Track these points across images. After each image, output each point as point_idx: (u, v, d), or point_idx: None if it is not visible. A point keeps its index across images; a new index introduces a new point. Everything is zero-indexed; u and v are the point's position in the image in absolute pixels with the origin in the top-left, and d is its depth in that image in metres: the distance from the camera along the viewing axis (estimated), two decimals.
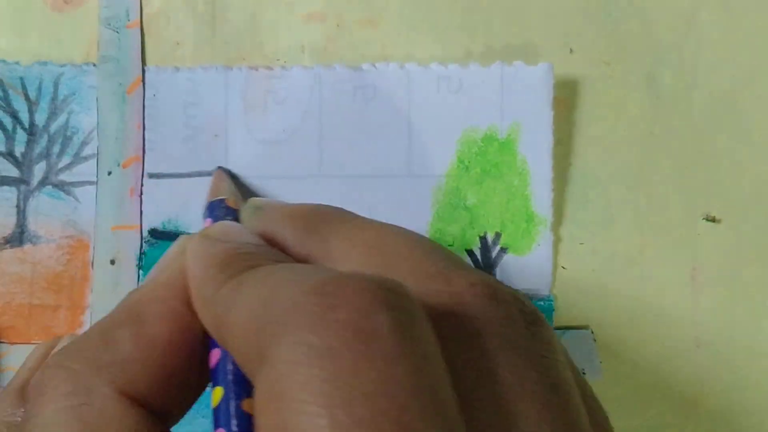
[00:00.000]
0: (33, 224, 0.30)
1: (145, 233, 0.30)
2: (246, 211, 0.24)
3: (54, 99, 0.30)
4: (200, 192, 0.30)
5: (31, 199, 0.30)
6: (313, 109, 0.30)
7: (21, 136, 0.30)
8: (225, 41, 0.31)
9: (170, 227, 0.30)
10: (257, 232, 0.22)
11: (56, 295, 0.29)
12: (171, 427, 0.19)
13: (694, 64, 0.31)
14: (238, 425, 0.17)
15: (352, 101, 0.30)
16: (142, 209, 0.30)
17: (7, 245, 0.30)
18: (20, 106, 0.30)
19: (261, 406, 0.14)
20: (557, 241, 0.30)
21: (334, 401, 0.13)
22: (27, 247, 0.30)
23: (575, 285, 0.30)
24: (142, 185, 0.30)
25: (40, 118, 0.30)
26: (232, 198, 0.26)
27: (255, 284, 0.17)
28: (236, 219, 0.25)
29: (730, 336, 0.30)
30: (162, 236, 0.30)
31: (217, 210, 0.25)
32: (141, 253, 0.30)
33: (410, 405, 0.13)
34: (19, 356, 0.29)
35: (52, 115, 0.30)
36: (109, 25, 0.30)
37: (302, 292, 0.15)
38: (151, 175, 0.30)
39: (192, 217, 0.30)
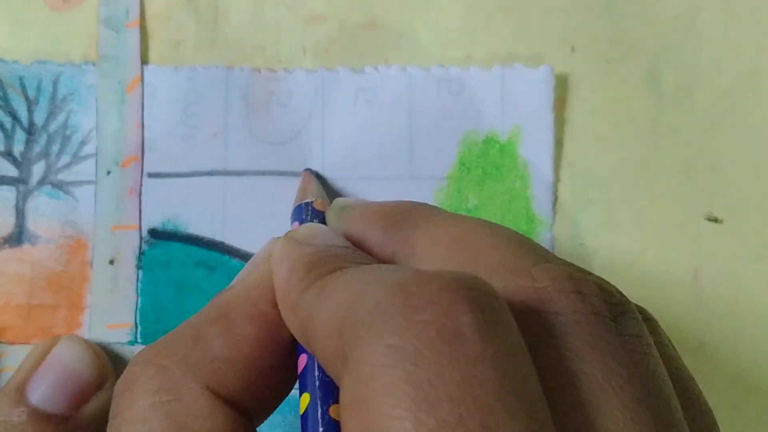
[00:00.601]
0: (32, 224, 0.30)
1: (145, 233, 0.30)
2: (331, 212, 0.24)
3: (53, 98, 0.30)
4: (200, 192, 0.30)
5: (29, 199, 0.30)
6: (315, 112, 0.30)
7: (20, 135, 0.30)
8: (226, 42, 0.30)
9: (170, 227, 0.30)
10: (343, 234, 0.22)
11: (55, 295, 0.29)
12: (255, 427, 0.19)
13: (696, 62, 0.31)
14: (324, 431, 0.17)
15: (354, 103, 0.30)
16: (141, 209, 0.30)
17: (6, 245, 0.30)
18: (19, 105, 0.30)
19: (346, 409, 0.14)
20: (557, 241, 0.30)
21: (419, 404, 0.13)
22: (26, 246, 0.30)
23: None
24: (141, 185, 0.30)
25: (39, 118, 0.30)
26: (319, 200, 0.26)
27: (339, 287, 0.17)
28: (323, 221, 0.25)
29: (732, 337, 0.30)
30: (161, 236, 0.30)
31: (303, 213, 0.25)
32: (140, 253, 0.30)
33: (496, 407, 0.13)
34: (17, 356, 0.29)
35: (51, 114, 0.30)
36: (109, 24, 0.30)
37: (385, 292, 0.15)
38: (151, 175, 0.30)
39: (192, 217, 0.30)
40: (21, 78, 0.30)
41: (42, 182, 0.30)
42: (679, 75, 0.31)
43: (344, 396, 0.14)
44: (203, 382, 0.18)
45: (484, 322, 0.14)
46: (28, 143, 0.30)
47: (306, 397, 0.18)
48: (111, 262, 0.29)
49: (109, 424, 0.18)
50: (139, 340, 0.29)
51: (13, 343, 0.29)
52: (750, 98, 0.31)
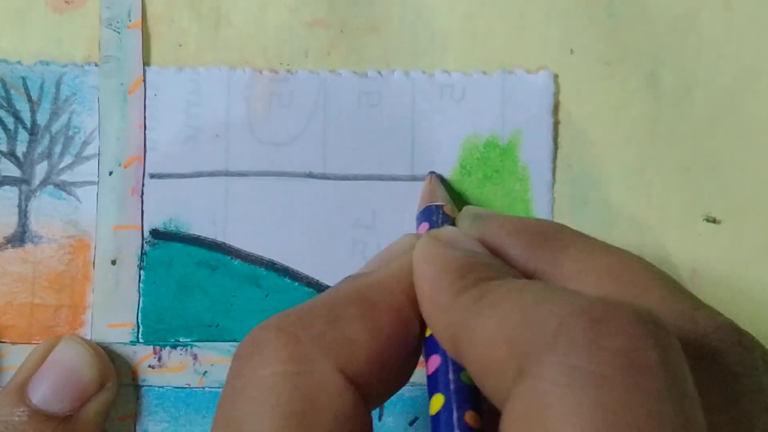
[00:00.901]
0: (34, 224, 0.30)
1: (146, 233, 0.30)
2: (464, 219, 0.24)
3: (56, 99, 0.30)
4: (202, 192, 0.30)
5: (32, 199, 0.30)
6: (317, 114, 0.30)
7: (23, 136, 0.30)
8: (228, 45, 0.31)
9: (171, 227, 0.30)
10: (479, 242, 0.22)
11: (58, 295, 0.30)
12: (370, 413, 0.19)
13: (696, 64, 0.31)
14: None
15: (356, 107, 0.30)
16: (143, 209, 0.30)
17: (9, 245, 0.30)
18: (22, 106, 0.30)
19: (515, 422, 0.14)
20: None
21: (597, 428, 0.13)
22: (28, 246, 0.30)
23: None
24: (143, 185, 0.30)
25: (41, 118, 0.30)
26: (448, 205, 0.26)
27: (504, 298, 0.17)
28: (449, 224, 0.25)
29: None
30: (163, 237, 0.30)
31: (434, 215, 0.25)
32: (142, 254, 0.30)
33: None
34: (19, 356, 0.29)
35: (54, 115, 0.30)
36: (111, 25, 0.30)
37: (570, 312, 0.15)
38: (152, 175, 0.30)
39: (194, 218, 0.30)
40: (24, 79, 0.30)
41: (44, 182, 0.30)
42: (679, 76, 0.31)
43: (514, 408, 0.14)
44: (335, 361, 0.18)
45: (668, 360, 0.14)
46: (31, 144, 0.30)
47: (439, 399, 0.18)
48: (113, 262, 0.30)
49: (229, 382, 0.18)
50: (140, 340, 0.29)
51: (15, 343, 0.29)
52: (749, 99, 0.31)
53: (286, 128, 0.30)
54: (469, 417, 0.17)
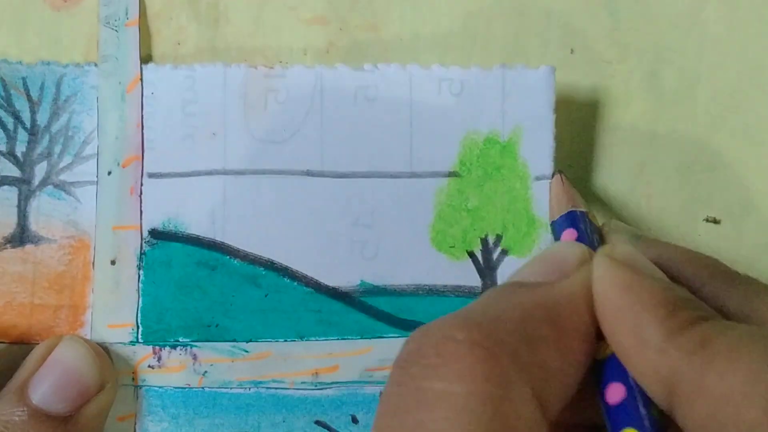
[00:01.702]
0: (34, 224, 0.30)
1: (145, 233, 0.30)
2: (621, 236, 0.23)
3: (56, 99, 0.30)
4: (200, 191, 0.30)
5: (32, 199, 0.30)
6: (314, 109, 0.30)
7: (22, 136, 0.30)
8: (226, 43, 0.30)
9: (170, 227, 0.30)
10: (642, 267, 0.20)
11: (57, 295, 0.30)
12: None
13: (698, 63, 0.31)
14: None
15: (353, 102, 0.30)
16: (142, 209, 0.30)
17: (8, 245, 0.30)
18: (22, 106, 0.30)
19: None
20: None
21: None
22: (28, 247, 0.30)
23: None
24: (141, 185, 0.30)
25: (41, 118, 0.30)
26: (591, 212, 0.25)
27: (739, 347, 0.15)
28: (597, 235, 0.23)
29: None
30: (162, 236, 0.30)
31: (580, 223, 0.24)
32: (141, 253, 0.30)
33: None
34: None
35: (54, 115, 0.30)
36: (108, 23, 0.30)
37: None
38: (151, 175, 0.30)
39: (192, 217, 0.30)
40: (24, 79, 0.30)
41: (44, 183, 0.30)
42: (680, 75, 0.31)
43: None
44: (533, 387, 0.16)
45: None
46: (31, 144, 0.30)
47: None
48: (112, 262, 0.30)
49: (405, 389, 0.16)
50: (140, 340, 0.29)
51: (15, 343, 0.29)
52: (751, 98, 0.31)
53: (282, 125, 0.30)
54: None
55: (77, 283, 0.30)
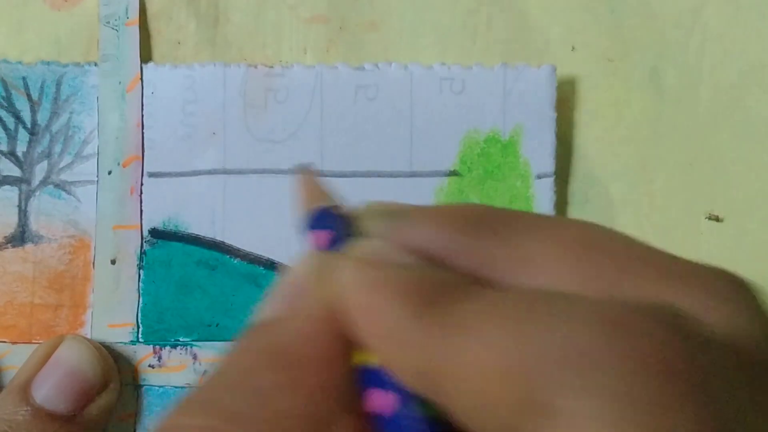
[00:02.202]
0: (34, 224, 0.30)
1: (146, 233, 0.30)
2: (375, 219, 0.20)
3: (56, 99, 0.30)
4: (200, 191, 0.30)
5: (32, 199, 0.30)
6: (314, 108, 0.30)
7: (23, 135, 0.30)
8: (227, 42, 0.30)
9: (170, 226, 0.30)
10: (402, 248, 0.18)
11: (58, 295, 0.30)
12: None
13: (699, 60, 0.31)
14: None
15: (353, 101, 0.30)
16: (142, 208, 0.30)
17: (9, 245, 0.30)
18: (22, 105, 0.30)
19: None
20: None
21: None
22: (28, 246, 0.30)
23: None
24: (142, 184, 0.30)
25: (42, 118, 0.30)
26: (342, 204, 0.22)
27: (486, 319, 0.14)
28: (352, 228, 0.20)
29: None
30: (162, 236, 0.30)
31: (327, 221, 0.21)
32: (141, 253, 0.30)
33: None
34: (20, 355, 0.29)
35: (54, 114, 0.30)
36: (109, 23, 0.30)
37: (591, 331, 0.13)
38: (151, 174, 0.30)
39: (192, 217, 0.30)
40: (25, 78, 0.30)
41: (44, 182, 0.30)
42: (682, 73, 0.31)
43: None
44: None
45: (710, 362, 0.13)
46: (31, 143, 0.30)
47: None
48: (113, 261, 0.30)
49: None
50: (140, 340, 0.29)
51: (15, 342, 0.29)
52: (753, 96, 0.31)
53: (282, 125, 0.30)
54: None
55: (77, 283, 0.30)
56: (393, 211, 0.19)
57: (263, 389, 0.15)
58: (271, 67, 0.30)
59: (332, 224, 0.20)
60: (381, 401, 0.16)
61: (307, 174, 0.23)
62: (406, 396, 0.16)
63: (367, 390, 0.16)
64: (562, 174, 0.30)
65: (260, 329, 0.17)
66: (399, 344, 0.15)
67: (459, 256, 0.17)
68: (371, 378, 0.16)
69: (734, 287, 0.15)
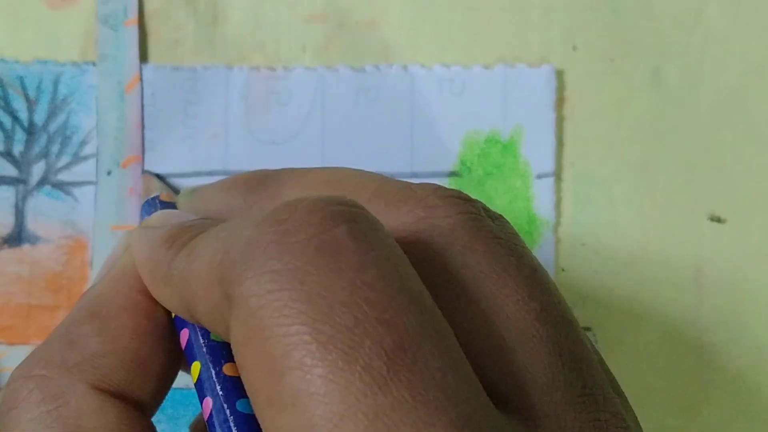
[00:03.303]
0: (31, 224, 0.30)
1: None
2: (182, 198, 0.25)
3: (54, 98, 0.30)
4: None
5: (29, 199, 0.30)
6: (315, 111, 0.30)
7: (20, 135, 0.30)
8: (225, 41, 0.30)
9: None
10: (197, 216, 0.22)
11: (55, 296, 0.29)
12: (150, 417, 0.19)
13: (701, 60, 0.31)
14: (222, 389, 0.17)
15: (354, 103, 0.30)
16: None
17: (6, 245, 0.30)
18: (19, 105, 0.30)
19: (241, 345, 0.14)
20: (558, 242, 0.30)
21: (313, 316, 0.13)
22: (25, 247, 0.30)
23: (577, 286, 0.30)
24: (141, 185, 0.30)
25: (39, 118, 0.30)
26: (165, 192, 0.26)
27: (207, 243, 0.17)
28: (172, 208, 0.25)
29: (734, 338, 0.30)
30: None
31: (152, 207, 0.25)
32: None
33: (387, 303, 0.14)
34: (17, 357, 0.28)
35: (52, 114, 0.30)
36: (107, 22, 0.30)
37: (256, 226, 0.15)
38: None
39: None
40: (21, 78, 0.30)
41: (42, 182, 0.30)
42: (684, 73, 0.31)
43: (237, 335, 0.14)
44: (87, 381, 0.18)
45: (359, 230, 0.15)
46: (28, 143, 0.30)
47: (196, 366, 0.18)
48: None
49: None
50: None
51: (12, 344, 0.29)
52: (755, 96, 0.31)
53: (284, 127, 0.30)
54: (228, 368, 0.18)
55: (74, 284, 0.29)
56: (191, 189, 0.24)
57: (80, 337, 0.19)
58: (274, 69, 0.30)
59: (157, 208, 0.25)
60: (183, 338, 0.19)
61: (147, 176, 0.29)
62: (193, 328, 0.18)
63: (180, 331, 0.19)
64: (564, 174, 0.30)
65: (85, 293, 0.20)
66: (158, 285, 0.18)
67: (240, 212, 0.21)
68: (178, 320, 0.19)
69: (439, 200, 0.17)
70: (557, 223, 0.30)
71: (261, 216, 0.15)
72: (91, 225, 0.30)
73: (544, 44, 0.30)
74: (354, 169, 0.20)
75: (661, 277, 0.30)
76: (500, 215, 0.18)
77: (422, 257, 0.16)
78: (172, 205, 0.25)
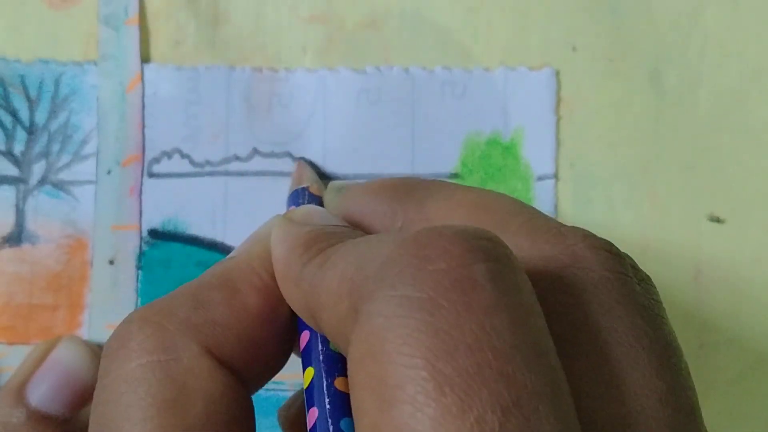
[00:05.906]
0: (32, 224, 0.30)
1: (145, 233, 0.30)
2: (329, 194, 0.24)
3: (54, 98, 0.30)
4: (201, 192, 0.30)
5: (30, 199, 0.30)
6: (317, 112, 0.30)
7: (20, 134, 0.30)
8: (226, 41, 0.30)
9: (170, 227, 0.30)
10: (341, 214, 0.22)
11: (55, 295, 0.29)
12: (250, 396, 0.19)
13: (700, 61, 0.31)
14: (330, 403, 0.17)
15: (356, 104, 0.30)
16: (142, 209, 0.30)
17: (6, 245, 0.29)
18: (20, 104, 0.30)
19: (357, 362, 0.14)
20: None
21: (436, 353, 0.13)
22: (26, 246, 0.30)
23: None
24: (141, 184, 0.30)
25: (40, 117, 0.30)
26: (314, 185, 0.26)
27: (343, 255, 0.17)
28: (320, 205, 0.24)
29: (734, 338, 0.30)
30: (161, 236, 0.30)
31: (300, 197, 0.26)
32: (140, 253, 0.29)
33: (513, 355, 0.13)
34: (17, 356, 0.28)
35: (53, 114, 0.30)
36: (108, 22, 0.30)
37: (394, 246, 0.15)
38: (151, 175, 0.30)
39: (192, 217, 0.30)
40: (22, 77, 0.30)
41: (42, 182, 0.30)
42: (682, 74, 0.31)
43: (355, 351, 0.14)
44: (203, 344, 0.18)
45: (498, 271, 0.14)
46: (29, 143, 0.30)
47: (310, 371, 0.18)
48: (111, 262, 0.29)
49: (98, 383, 0.18)
50: None
51: (12, 343, 0.29)
52: (754, 97, 0.31)
53: (285, 128, 0.30)
54: (339, 383, 0.18)
55: (75, 284, 0.29)
56: (339, 187, 0.24)
57: (207, 301, 0.19)
58: (276, 71, 0.30)
59: (305, 200, 0.25)
60: (303, 340, 0.19)
61: (301, 164, 0.29)
62: (315, 334, 0.19)
63: (301, 332, 0.19)
64: (564, 175, 0.30)
65: (220, 262, 0.21)
66: (288, 285, 0.19)
67: (384, 217, 0.21)
68: (301, 321, 0.19)
69: (583, 244, 0.17)
70: None
71: (402, 237, 0.15)
72: (91, 224, 0.29)
73: (544, 45, 0.31)
74: (503, 195, 0.20)
75: (661, 276, 0.30)
76: (647, 276, 0.17)
77: (557, 308, 0.15)
78: (318, 199, 0.25)
